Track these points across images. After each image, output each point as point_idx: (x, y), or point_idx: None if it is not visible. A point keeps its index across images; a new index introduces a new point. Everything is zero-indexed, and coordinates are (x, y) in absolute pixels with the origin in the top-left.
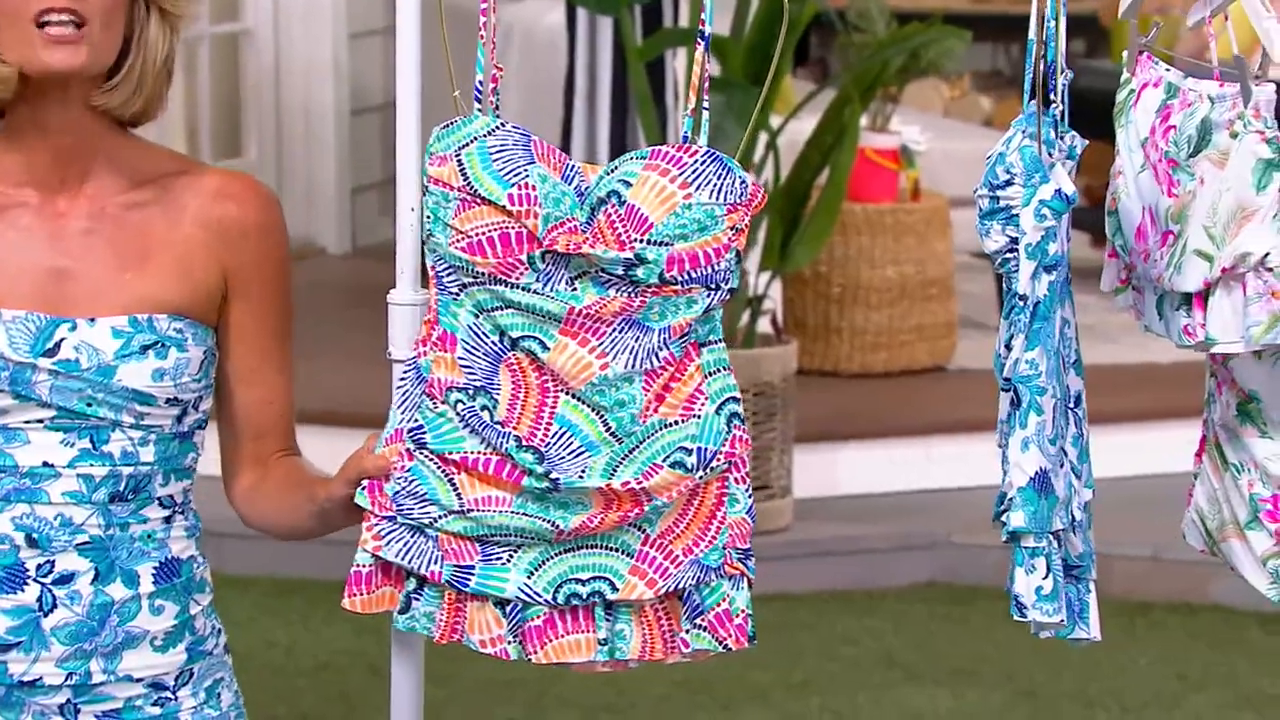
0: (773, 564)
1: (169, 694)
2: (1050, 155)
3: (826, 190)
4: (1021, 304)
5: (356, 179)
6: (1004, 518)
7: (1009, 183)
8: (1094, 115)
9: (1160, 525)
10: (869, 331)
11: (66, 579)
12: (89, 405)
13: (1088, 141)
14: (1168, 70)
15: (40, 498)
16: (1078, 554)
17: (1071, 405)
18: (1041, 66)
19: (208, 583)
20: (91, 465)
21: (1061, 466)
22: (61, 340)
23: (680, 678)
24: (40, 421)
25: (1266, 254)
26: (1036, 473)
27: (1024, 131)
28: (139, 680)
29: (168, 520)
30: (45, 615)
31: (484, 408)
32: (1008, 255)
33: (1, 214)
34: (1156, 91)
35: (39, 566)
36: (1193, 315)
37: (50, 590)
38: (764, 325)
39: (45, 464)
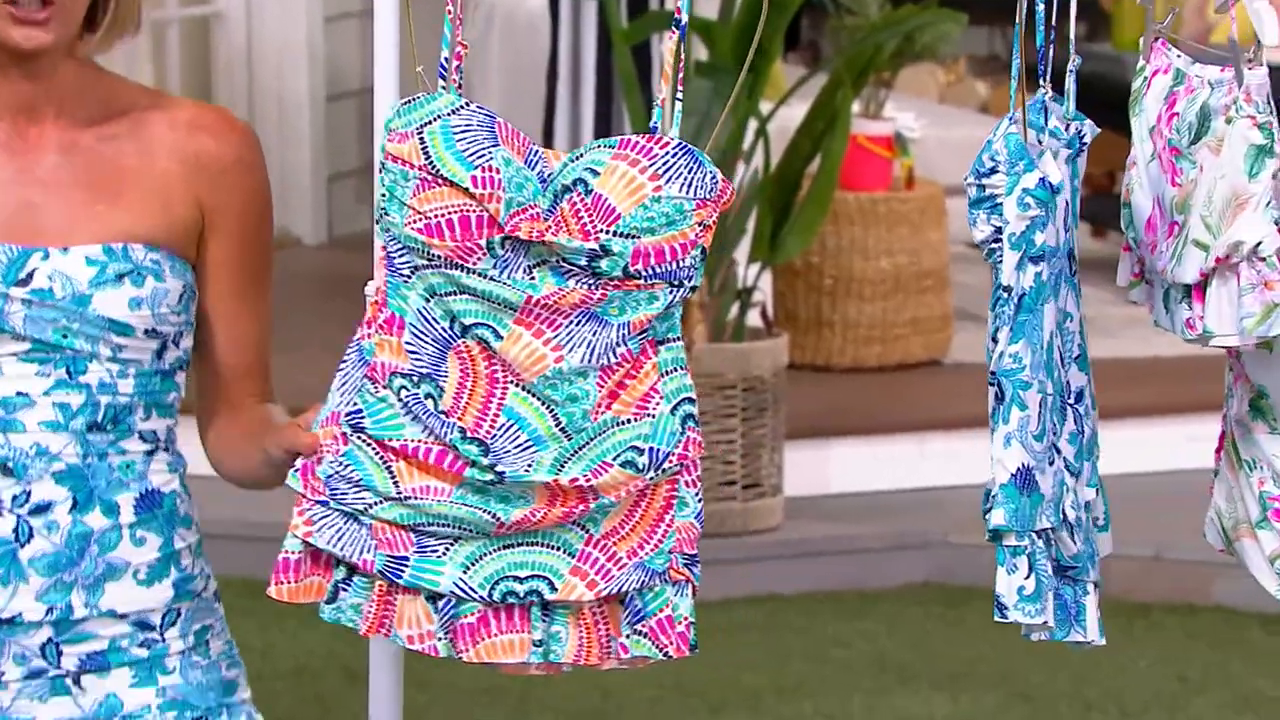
0: (763, 564)
1: (155, 634)
2: (1040, 142)
3: (818, 179)
4: (1006, 295)
5: (333, 167)
6: (986, 516)
7: (993, 170)
8: (1095, 102)
9: (1162, 524)
10: (862, 324)
11: (43, 508)
12: (64, 336)
13: (1099, 129)
14: (1178, 56)
15: (15, 427)
16: (1071, 554)
17: (1072, 401)
18: (1037, 50)
19: (194, 520)
20: (68, 393)
21: (1051, 464)
22: (34, 270)
23: (670, 681)
24: (14, 355)
25: (1259, 243)
26: (1018, 469)
27: (1012, 118)
28: (123, 617)
29: (149, 454)
30: (22, 546)
31: (428, 395)
32: (994, 245)
33: None
34: (1165, 78)
35: (15, 497)
36: (1193, 308)
37: (26, 521)
38: (754, 318)
39: (19, 393)
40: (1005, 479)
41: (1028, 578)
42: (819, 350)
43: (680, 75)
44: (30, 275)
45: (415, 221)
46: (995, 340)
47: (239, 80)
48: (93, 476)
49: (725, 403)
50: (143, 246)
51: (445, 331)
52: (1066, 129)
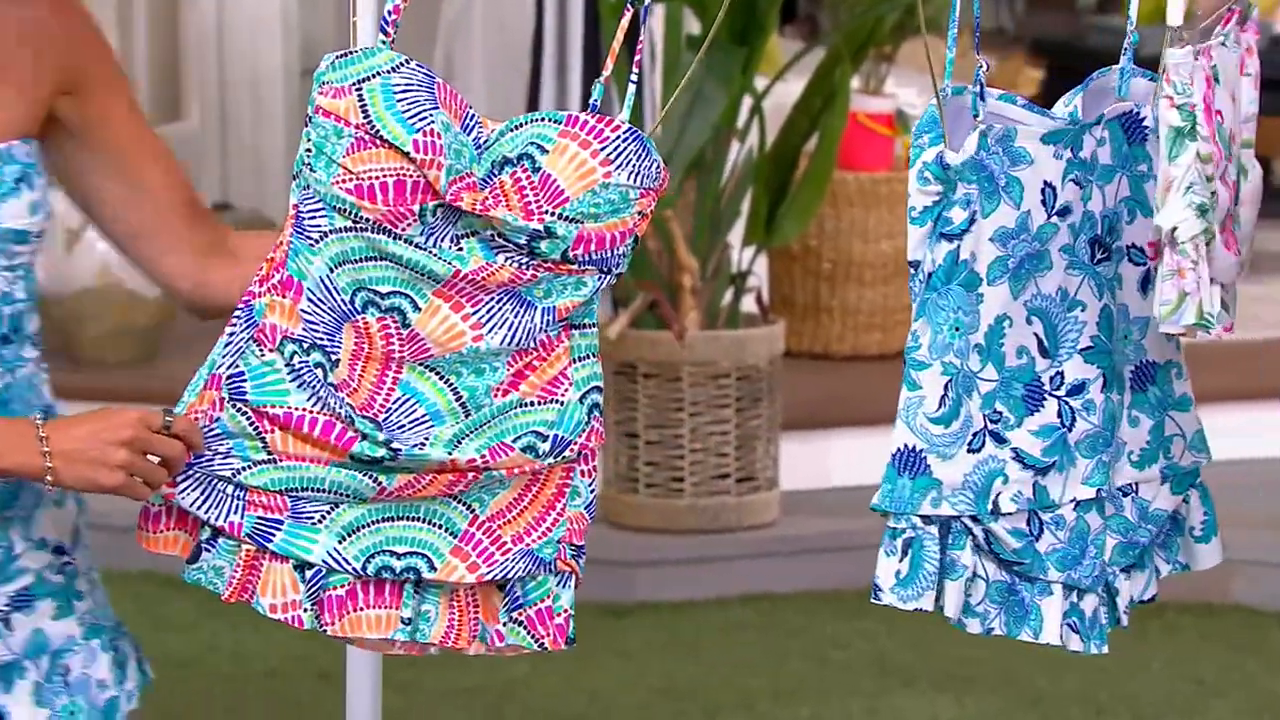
0: (758, 561)
1: (68, 557)
2: (976, 118)
3: (816, 158)
4: (913, 271)
5: None
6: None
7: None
8: None
9: None
10: (862, 310)
11: None
12: None
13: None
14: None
15: None
16: (1012, 549)
17: (1062, 393)
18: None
19: None
20: None
21: (976, 451)
22: None
23: (660, 684)
24: None
25: (1174, 228)
26: (899, 450)
27: (941, 90)
28: (46, 544)
29: (38, 362)
30: None
31: (318, 365)
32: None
33: None
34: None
35: None
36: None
37: None
38: (749, 304)
39: None
40: (888, 459)
41: (902, 560)
42: (817, 338)
43: (639, 57)
44: None
45: (345, 181)
46: None
47: (209, 54)
48: (12, 400)
49: (719, 392)
50: (20, 142)
51: (345, 304)
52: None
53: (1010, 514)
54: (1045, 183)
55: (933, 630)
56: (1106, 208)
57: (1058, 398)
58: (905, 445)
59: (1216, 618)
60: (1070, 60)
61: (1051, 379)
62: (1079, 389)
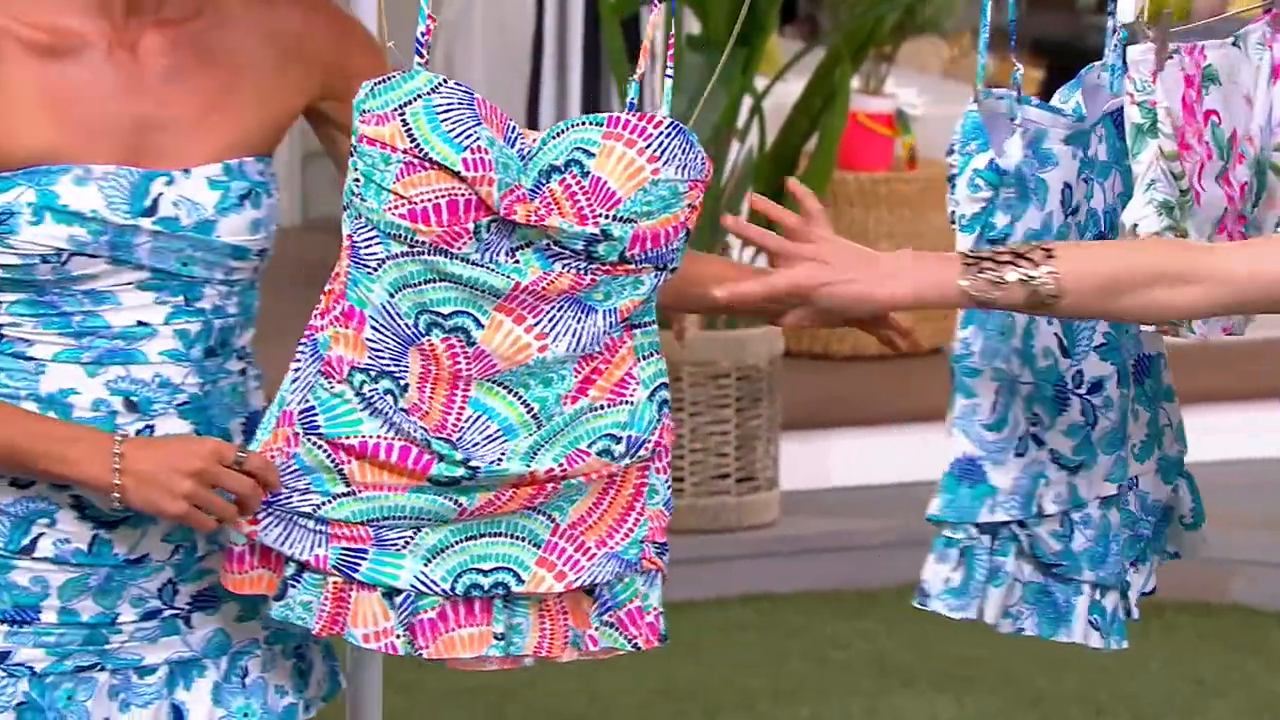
0: (758, 562)
1: None
2: (1014, 121)
3: (816, 158)
4: None
5: (307, 145)
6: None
7: (952, 150)
8: None
9: None
10: None
11: None
12: (184, 265)
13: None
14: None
15: (137, 358)
16: (1054, 553)
17: (1083, 392)
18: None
19: None
20: (187, 321)
21: (1021, 455)
22: (159, 196)
23: (660, 685)
24: (132, 284)
25: (1134, 225)
26: (958, 459)
27: (976, 97)
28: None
29: (243, 373)
30: None
31: (388, 392)
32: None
33: (71, 55)
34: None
35: (139, 432)
36: None
37: None
38: None
39: (140, 323)
40: (945, 468)
41: (955, 570)
42: (817, 338)
43: (671, 49)
44: (155, 203)
45: (398, 207)
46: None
47: None
48: (210, 406)
49: (719, 392)
50: (254, 160)
51: (409, 328)
52: (1062, 113)
53: (1050, 516)
54: (1065, 184)
55: (932, 630)
56: (1106, 204)
57: (1080, 396)
58: (964, 454)
59: (1215, 617)
60: (1070, 60)
61: (1073, 378)
62: (1098, 386)
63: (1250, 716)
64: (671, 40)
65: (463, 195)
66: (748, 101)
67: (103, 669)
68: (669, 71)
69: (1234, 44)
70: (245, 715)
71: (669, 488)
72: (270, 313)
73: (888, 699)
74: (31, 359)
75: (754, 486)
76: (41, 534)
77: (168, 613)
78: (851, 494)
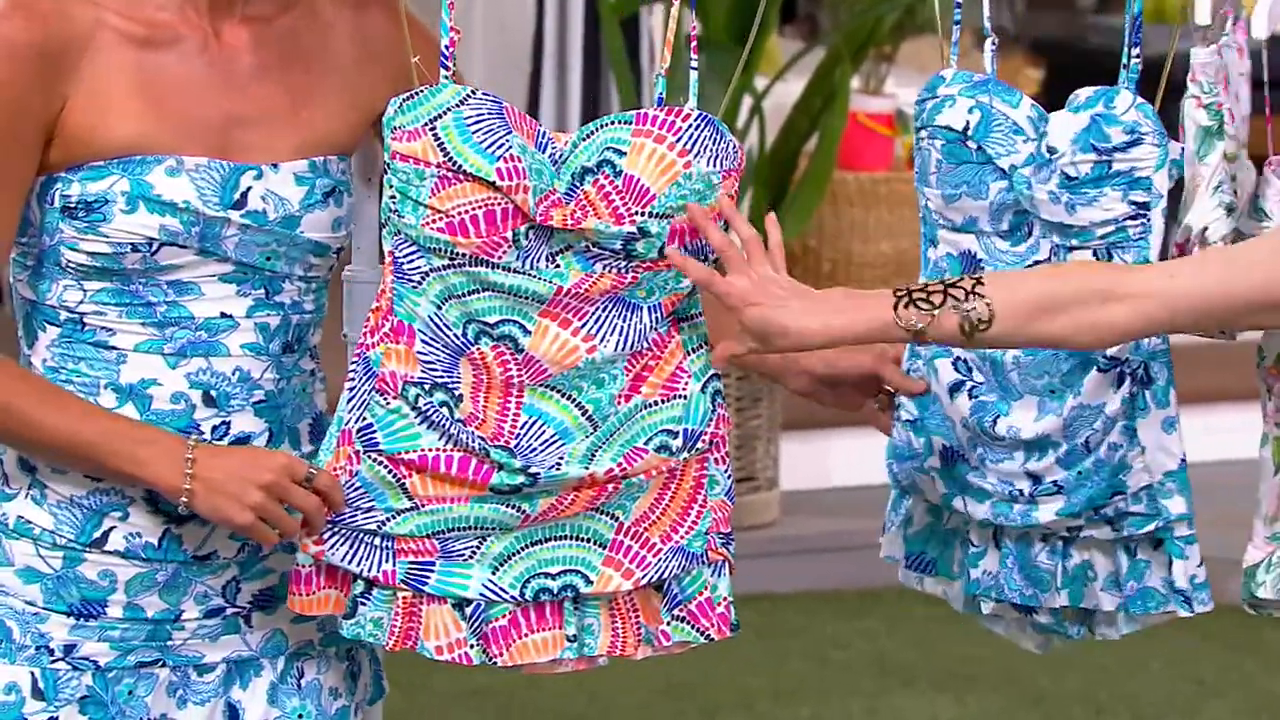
0: (758, 562)
1: None
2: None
3: (815, 158)
4: None
5: None
6: (1158, 505)
7: (1134, 143)
8: (1109, 78)
9: None
10: None
11: (242, 441)
12: (268, 259)
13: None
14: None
15: (219, 350)
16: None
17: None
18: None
19: None
20: (267, 314)
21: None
22: (248, 189)
23: (660, 685)
24: (215, 275)
25: (1205, 228)
26: (1184, 456)
27: (1128, 86)
28: (295, 551)
29: (312, 373)
30: None
31: (443, 404)
32: (1126, 224)
33: (166, 47)
34: None
35: (214, 428)
36: None
37: None
38: None
39: (223, 315)
40: (1174, 465)
41: (1200, 565)
42: None
43: (694, 41)
44: (245, 196)
45: (435, 221)
46: None
47: None
48: (284, 405)
49: None
50: (337, 159)
51: (458, 338)
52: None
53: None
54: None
55: (933, 630)
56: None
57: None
58: (1184, 452)
59: (1215, 618)
60: (1070, 60)
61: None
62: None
63: (1250, 716)
64: (694, 34)
65: (499, 205)
66: (748, 101)
67: (164, 665)
68: (693, 64)
69: (1226, 43)
70: (300, 716)
71: (729, 478)
72: None
73: (888, 699)
74: (113, 348)
75: (754, 487)
76: (113, 527)
77: (230, 611)
78: (851, 494)
